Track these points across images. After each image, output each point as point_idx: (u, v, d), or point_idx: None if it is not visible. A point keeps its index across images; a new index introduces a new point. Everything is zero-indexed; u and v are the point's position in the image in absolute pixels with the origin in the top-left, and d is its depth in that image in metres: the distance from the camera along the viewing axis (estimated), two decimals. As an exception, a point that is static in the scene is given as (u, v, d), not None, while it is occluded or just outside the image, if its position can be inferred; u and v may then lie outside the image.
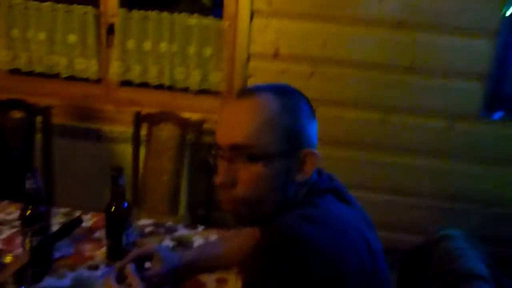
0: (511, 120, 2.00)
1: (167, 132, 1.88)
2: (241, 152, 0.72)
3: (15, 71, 2.30)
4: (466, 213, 2.12)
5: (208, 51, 2.19)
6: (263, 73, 2.11)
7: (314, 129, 0.78)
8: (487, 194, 2.10)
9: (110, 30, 2.17)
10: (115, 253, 1.08)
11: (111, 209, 1.06)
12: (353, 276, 0.68)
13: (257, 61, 2.11)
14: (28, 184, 0.98)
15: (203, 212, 1.95)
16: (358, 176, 2.13)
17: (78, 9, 2.18)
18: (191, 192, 2.13)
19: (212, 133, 2.11)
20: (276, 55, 2.08)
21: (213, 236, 1.26)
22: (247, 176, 0.72)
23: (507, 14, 1.83)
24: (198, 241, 1.22)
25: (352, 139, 2.13)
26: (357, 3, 1.95)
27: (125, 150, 2.07)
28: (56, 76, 2.29)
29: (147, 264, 0.98)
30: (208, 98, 2.27)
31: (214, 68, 2.21)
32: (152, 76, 2.24)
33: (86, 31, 2.20)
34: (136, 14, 2.15)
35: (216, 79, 2.23)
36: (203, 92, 2.25)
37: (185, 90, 2.25)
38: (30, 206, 1.01)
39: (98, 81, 2.29)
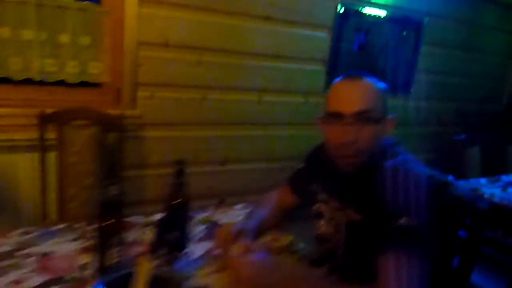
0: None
1: (82, 131, 1.69)
2: (363, 116, 0.98)
3: None
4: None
5: (86, 40, 2.01)
6: (153, 61, 2.12)
7: None
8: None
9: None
10: (180, 244, 1.08)
11: (176, 201, 1.05)
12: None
13: (146, 50, 2.09)
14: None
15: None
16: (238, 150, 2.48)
17: None
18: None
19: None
20: (166, 44, 2.13)
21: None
22: (367, 134, 0.99)
23: (340, 11, 2.49)
24: (221, 218, 1.32)
25: (233, 118, 2.44)
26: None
27: (16, 160, 1.71)
28: None
29: None
30: (88, 91, 2.09)
31: (93, 59, 2.05)
32: (15, 70, 1.89)
33: None
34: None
35: (96, 70, 2.07)
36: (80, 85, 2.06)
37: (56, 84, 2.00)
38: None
39: None
